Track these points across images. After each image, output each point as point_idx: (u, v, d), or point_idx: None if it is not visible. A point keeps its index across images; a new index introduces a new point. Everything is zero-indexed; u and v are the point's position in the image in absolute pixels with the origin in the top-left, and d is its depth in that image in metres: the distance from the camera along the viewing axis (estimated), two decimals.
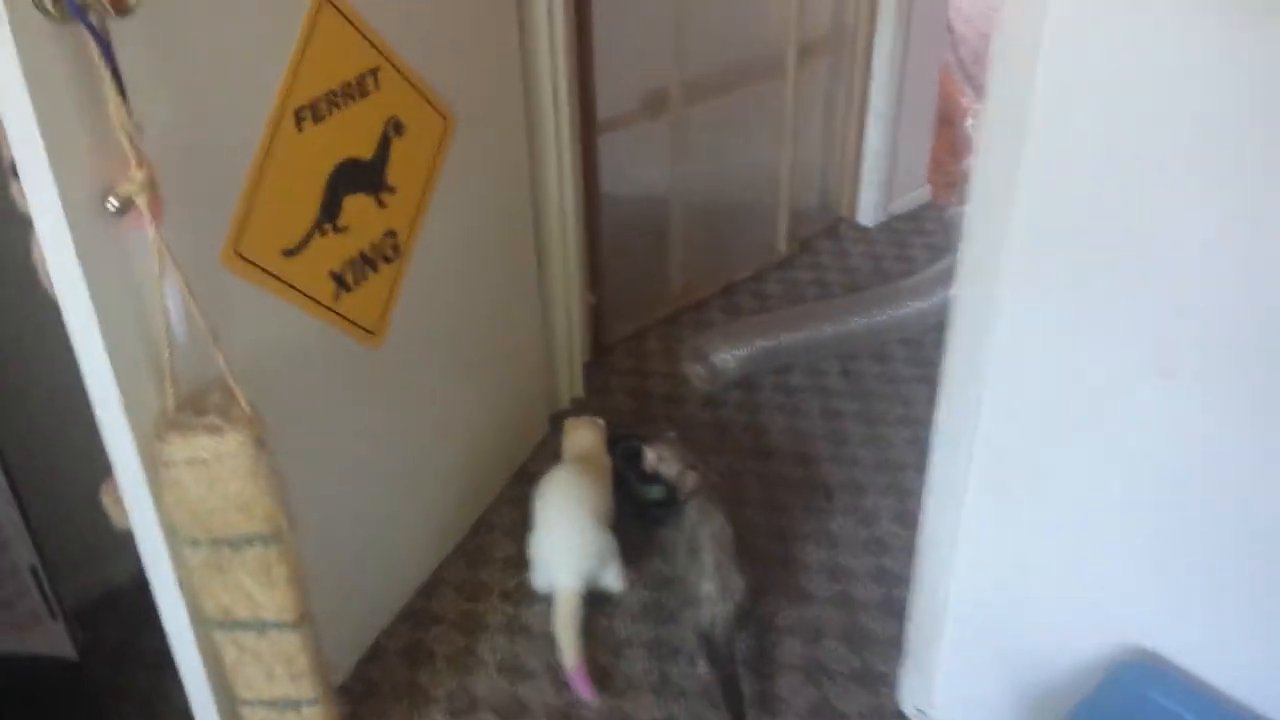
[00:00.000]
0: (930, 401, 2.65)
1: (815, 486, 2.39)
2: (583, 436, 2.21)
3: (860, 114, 3.27)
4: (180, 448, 1.34)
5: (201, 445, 1.35)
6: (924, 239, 3.42)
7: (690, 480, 2.07)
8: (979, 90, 4.49)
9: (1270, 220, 1.13)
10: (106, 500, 1.46)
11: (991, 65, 1.32)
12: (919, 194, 3.60)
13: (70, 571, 1.85)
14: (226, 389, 1.38)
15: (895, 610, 2.06)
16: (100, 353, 1.27)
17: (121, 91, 1.16)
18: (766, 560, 2.18)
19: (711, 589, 1.92)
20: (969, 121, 4.00)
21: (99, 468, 1.40)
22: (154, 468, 1.36)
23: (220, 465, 1.36)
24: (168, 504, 1.38)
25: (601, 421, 2.27)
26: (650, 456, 2.14)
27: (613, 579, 2.05)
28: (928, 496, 1.67)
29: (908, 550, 2.20)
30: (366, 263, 1.72)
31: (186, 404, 1.37)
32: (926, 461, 2.42)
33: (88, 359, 1.28)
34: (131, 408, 1.32)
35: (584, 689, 1.88)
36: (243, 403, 1.37)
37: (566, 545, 2.01)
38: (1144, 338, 1.29)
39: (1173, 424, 1.30)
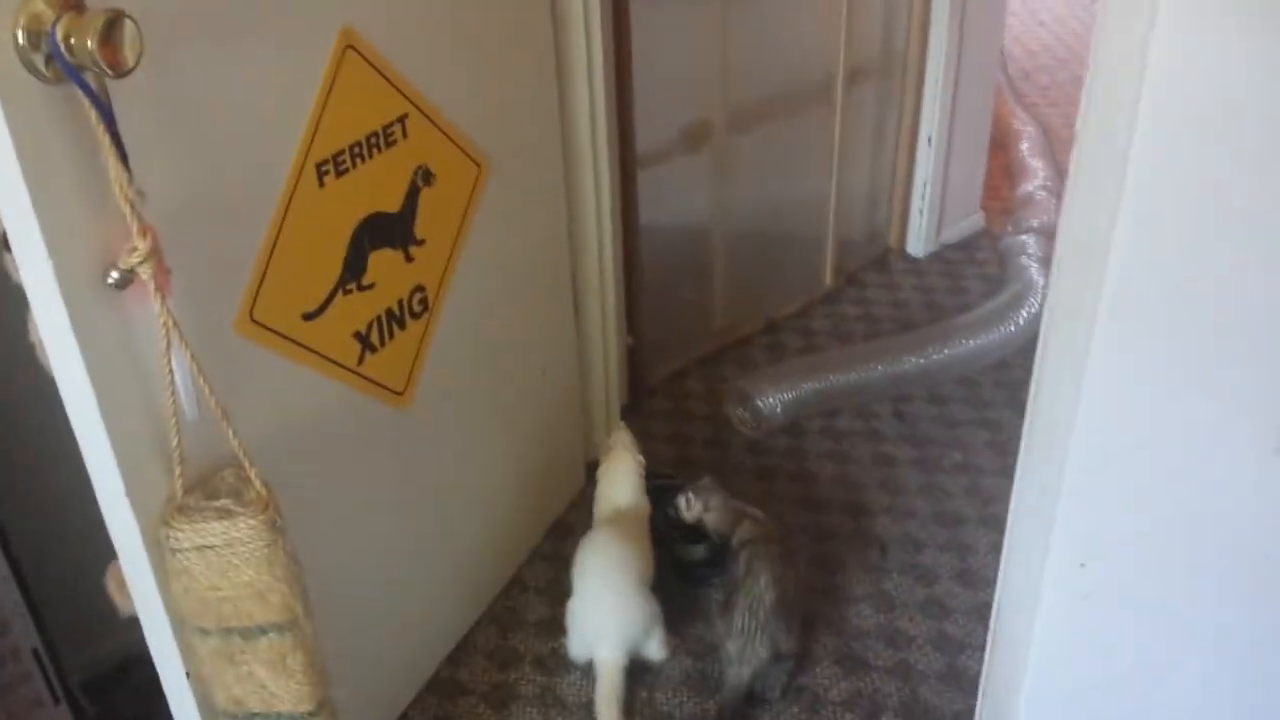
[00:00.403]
0: (990, 446, 2.55)
1: (869, 541, 2.26)
2: (620, 483, 2.07)
3: (911, 140, 3.14)
4: (189, 534, 1.24)
5: (212, 531, 1.25)
6: (977, 269, 3.28)
7: (746, 530, 1.95)
8: (1027, 108, 4.34)
9: None
10: (111, 585, 1.36)
11: (1085, 96, 1.18)
12: (971, 221, 3.46)
13: (82, 642, 1.77)
14: (239, 469, 1.28)
15: (960, 682, 1.93)
16: (102, 437, 1.17)
17: (123, 157, 1.06)
18: (818, 624, 2.05)
19: (732, 651, 1.84)
20: (1023, 145, 3.85)
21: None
22: (161, 555, 1.26)
23: (232, 552, 1.26)
24: (176, 592, 1.28)
25: (640, 457, 2.11)
26: (684, 503, 2.02)
27: (655, 648, 1.92)
28: (1005, 555, 1.53)
29: (970, 613, 2.08)
30: (393, 320, 1.62)
31: (197, 486, 1.27)
32: (989, 515, 2.31)
33: (89, 444, 1.18)
34: (136, 494, 1.21)
35: None
36: (257, 484, 1.27)
37: (610, 615, 1.89)
38: (1254, 413, 1.15)
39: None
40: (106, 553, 1.34)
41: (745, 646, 1.83)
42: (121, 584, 1.34)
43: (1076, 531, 1.40)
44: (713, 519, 2.01)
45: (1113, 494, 1.34)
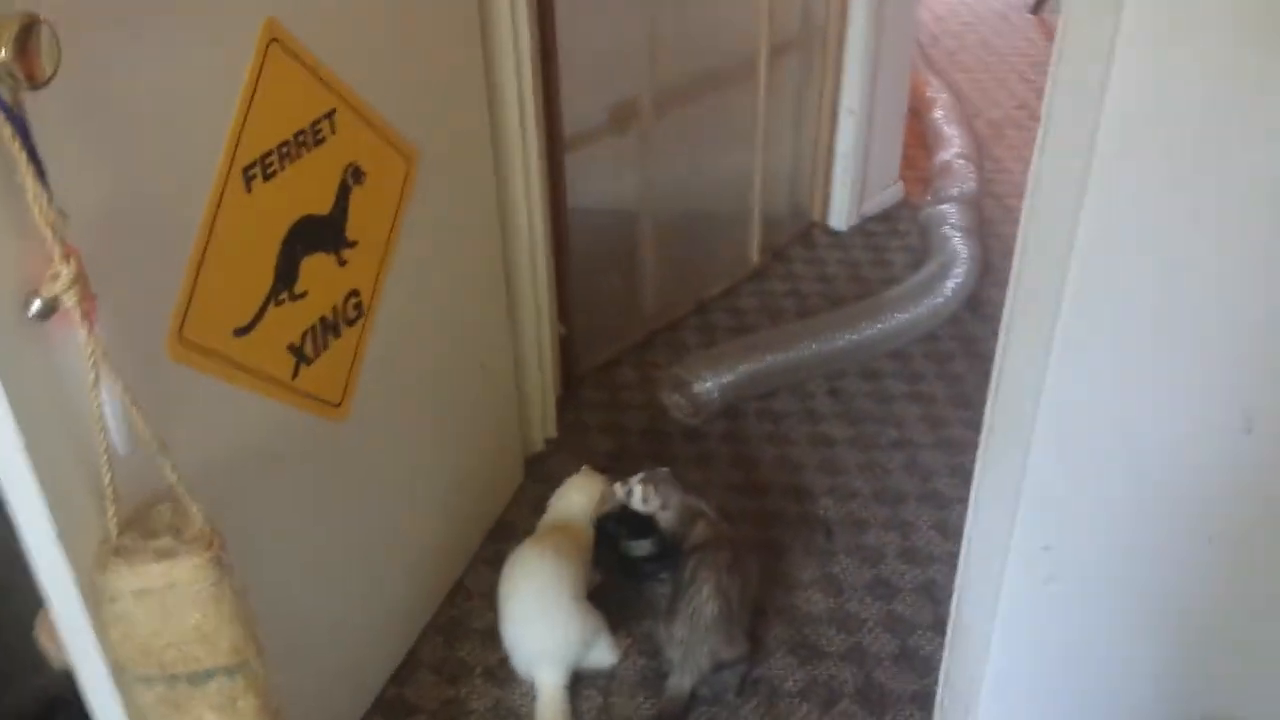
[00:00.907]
0: (924, 420, 2.56)
1: (813, 524, 2.24)
2: (571, 500, 2.02)
3: (832, 113, 3.12)
4: (128, 578, 1.15)
5: (152, 574, 1.15)
6: (899, 241, 3.29)
7: (698, 534, 1.91)
8: (938, 74, 4.37)
9: None
10: (41, 636, 1.26)
11: (1049, 92, 1.16)
12: (891, 192, 3.47)
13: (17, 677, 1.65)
14: (177, 503, 1.19)
15: (913, 664, 1.93)
16: (29, 480, 1.07)
17: (40, 174, 0.96)
18: (770, 613, 2.03)
19: (674, 658, 1.83)
20: (937, 112, 3.87)
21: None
22: (97, 602, 1.16)
23: (175, 594, 1.17)
24: (114, 639, 1.18)
25: (603, 482, 2.05)
26: (641, 494, 1.97)
27: (602, 655, 1.89)
28: (966, 540, 1.51)
29: (917, 590, 2.08)
30: (328, 329, 1.53)
31: (131, 524, 1.18)
32: (928, 490, 2.32)
33: (15, 487, 1.08)
34: (68, 538, 1.12)
35: None
36: (198, 519, 1.18)
37: (543, 638, 1.83)
38: (1221, 394, 1.15)
39: (1249, 481, 1.17)
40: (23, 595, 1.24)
41: (686, 656, 1.81)
42: (53, 633, 1.24)
43: (1040, 515, 1.40)
44: (668, 518, 1.97)
45: (1077, 476, 1.34)
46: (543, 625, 1.85)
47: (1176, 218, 1.11)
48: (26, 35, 0.89)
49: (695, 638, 1.80)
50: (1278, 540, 1.18)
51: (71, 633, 1.19)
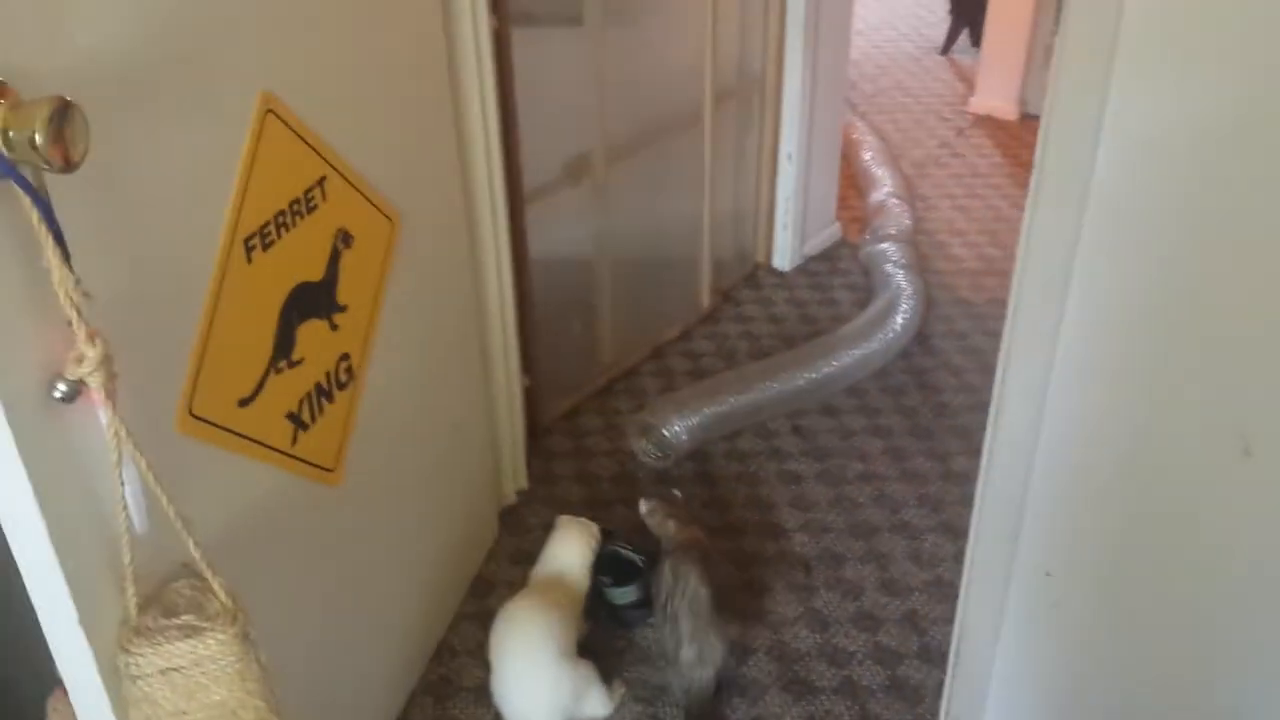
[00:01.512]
0: (887, 453, 2.62)
1: (792, 561, 2.27)
2: (564, 549, 2.02)
3: (772, 158, 3.20)
4: (151, 658, 1.13)
5: (177, 652, 1.14)
6: (842, 279, 3.37)
7: (669, 538, 1.99)
8: (861, 117, 4.49)
9: None
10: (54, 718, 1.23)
11: (1045, 116, 1.21)
12: (830, 232, 3.56)
13: None
14: (195, 579, 1.18)
15: (904, 693, 1.97)
16: (52, 564, 1.05)
17: (66, 258, 0.96)
18: (760, 650, 2.05)
19: (690, 655, 1.86)
20: (866, 154, 3.98)
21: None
22: (117, 684, 1.14)
23: (201, 671, 1.15)
24: None
25: (595, 529, 2.07)
26: (646, 509, 2.09)
27: (596, 706, 1.89)
28: (967, 579, 1.55)
29: (900, 621, 2.12)
30: (322, 395, 1.53)
31: (151, 603, 1.16)
32: (899, 521, 2.37)
33: (36, 572, 1.06)
34: (89, 621, 1.10)
35: None
36: (221, 595, 1.17)
37: (533, 695, 1.84)
38: (1219, 417, 1.20)
39: (1251, 505, 1.22)
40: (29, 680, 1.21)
41: (701, 647, 1.85)
42: (68, 717, 1.21)
43: (1042, 542, 1.44)
44: (665, 532, 2.04)
45: (1078, 502, 1.39)
46: (533, 682, 1.85)
47: (1173, 248, 1.17)
48: (61, 119, 0.89)
49: (701, 625, 1.84)
50: None
51: (90, 715, 1.16)
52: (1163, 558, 1.32)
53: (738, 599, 2.12)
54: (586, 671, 1.89)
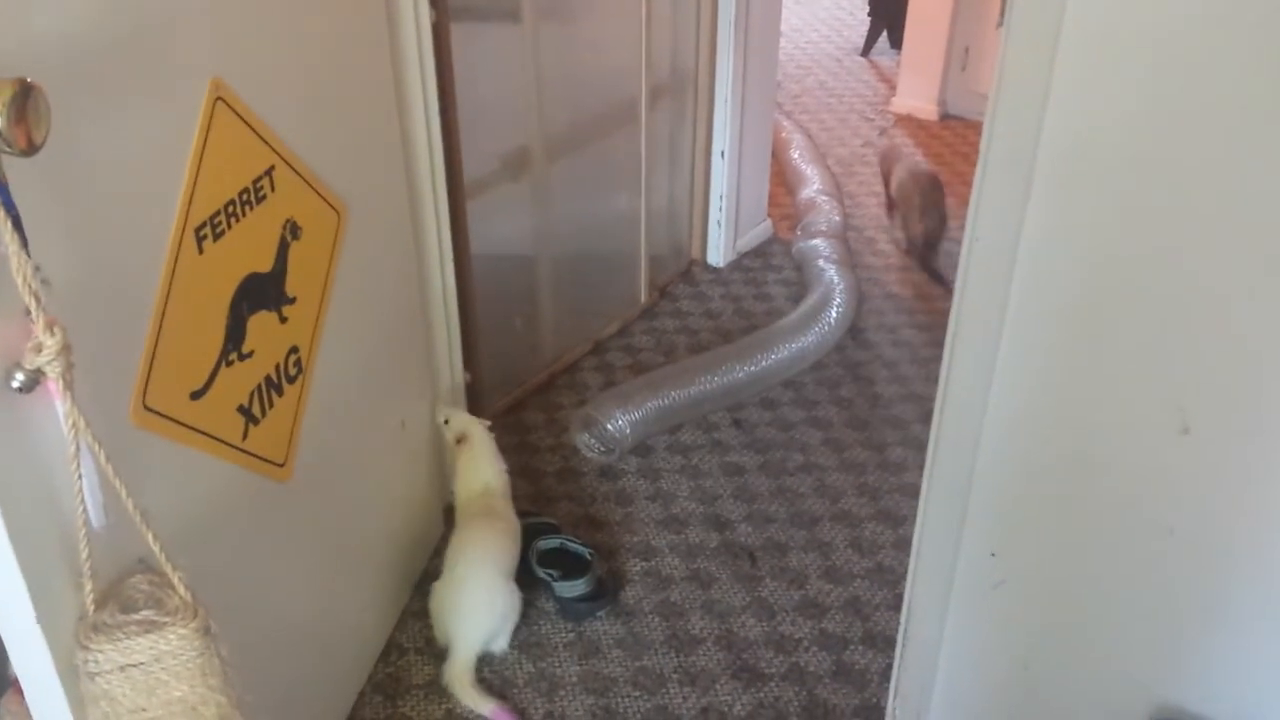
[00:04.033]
0: (826, 444, 2.66)
1: (736, 551, 2.30)
2: (484, 459, 2.16)
3: (706, 155, 3.23)
4: (111, 654, 1.10)
5: (136, 648, 1.11)
6: (776, 275, 3.41)
7: None
8: (787, 116, 4.55)
9: None
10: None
11: (993, 100, 1.24)
12: (762, 229, 3.60)
13: None
14: (153, 574, 1.16)
15: (851, 678, 2.00)
16: (6, 558, 1.02)
17: (24, 244, 0.93)
18: (709, 640, 2.07)
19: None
20: (794, 152, 4.03)
21: None
22: (75, 681, 1.11)
23: (161, 667, 1.13)
24: (94, 719, 1.13)
25: (484, 423, 2.22)
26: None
27: (503, 642, 2.05)
28: (915, 562, 1.59)
29: (845, 608, 2.16)
30: (272, 388, 1.50)
31: (109, 599, 1.14)
32: (840, 510, 2.41)
33: None
34: (46, 617, 1.07)
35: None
36: (180, 590, 1.15)
37: (474, 610, 2.00)
38: (1159, 395, 1.25)
39: (1189, 481, 1.27)
40: None
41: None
42: (22, 717, 1.18)
43: (988, 522, 1.48)
44: None
45: (1022, 483, 1.43)
46: (475, 597, 2.01)
47: (1111, 232, 1.21)
48: (23, 101, 0.87)
49: None
50: (1228, 534, 1.27)
51: (47, 716, 1.14)
52: (1104, 534, 1.36)
53: (693, 620, 2.12)
54: (517, 602, 2.05)
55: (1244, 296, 1.16)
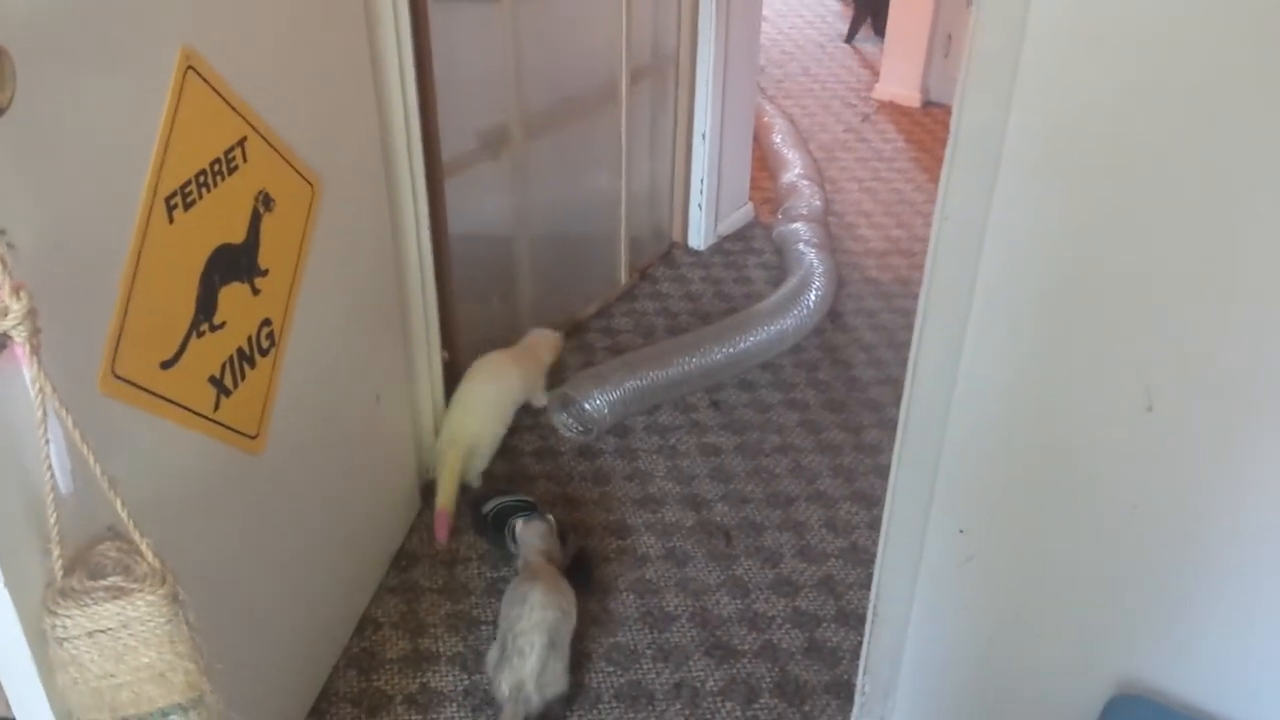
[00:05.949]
0: (802, 425, 2.68)
1: (712, 531, 2.31)
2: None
3: (687, 137, 3.23)
4: (79, 620, 1.11)
5: (104, 614, 1.12)
6: (756, 258, 3.42)
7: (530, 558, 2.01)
8: (769, 101, 4.56)
9: (1251, 250, 1.13)
10: None
11: (962, 77, 1.25)
12: (743, 213, 3.60)
13: None
14: (122, 541, 1.16)
15: (823, 655, 2.02)
16: None
17: None
18: (683, 617, 2.08)
19: (530, 668, 1.81)
20: (776, 137, 4.04)
21: None
22: (43, 647, 1.12)
23: (129, 633, 1.13)
24: (63, 685, 1.14)
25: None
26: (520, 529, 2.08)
27: (475, 473, 2.35)
28: (884, 540, 1.60)
29: (818, 587, 2.17)
30: (244, 360, 1.50)
31: (77, 565, 1.14)
32: (815, 491, 2.42)
33: None
34: (14, 583, 1.08)
35: (441, 531, 2.21)
36: (148, 556, 1.15)
37: (466, 426, 2.33)
38: (1125, 373, 1.26)
39: (1153, 458, 1.28)
40: None
41: (543, 668, 1.82)
42: None
43: (956, 499, 1.49)
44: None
45: (989, 460, 1.44)
46: (476, 414, 2.36)
47: (1078, 212, 1.22)
48: None
49: (544, 649, 1.81)
50: (1191, 511, 1.29)
51: (14, 682, 1.14)
52: (1070, 510, 1.38)
53: (668, 598, 2.13)
54: (499, 431, 2.42)
55: (1208, 275, 1.17)
